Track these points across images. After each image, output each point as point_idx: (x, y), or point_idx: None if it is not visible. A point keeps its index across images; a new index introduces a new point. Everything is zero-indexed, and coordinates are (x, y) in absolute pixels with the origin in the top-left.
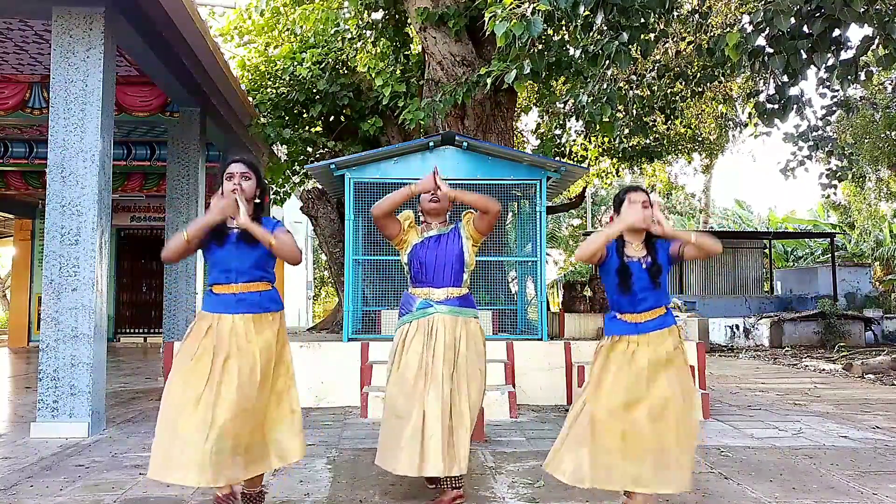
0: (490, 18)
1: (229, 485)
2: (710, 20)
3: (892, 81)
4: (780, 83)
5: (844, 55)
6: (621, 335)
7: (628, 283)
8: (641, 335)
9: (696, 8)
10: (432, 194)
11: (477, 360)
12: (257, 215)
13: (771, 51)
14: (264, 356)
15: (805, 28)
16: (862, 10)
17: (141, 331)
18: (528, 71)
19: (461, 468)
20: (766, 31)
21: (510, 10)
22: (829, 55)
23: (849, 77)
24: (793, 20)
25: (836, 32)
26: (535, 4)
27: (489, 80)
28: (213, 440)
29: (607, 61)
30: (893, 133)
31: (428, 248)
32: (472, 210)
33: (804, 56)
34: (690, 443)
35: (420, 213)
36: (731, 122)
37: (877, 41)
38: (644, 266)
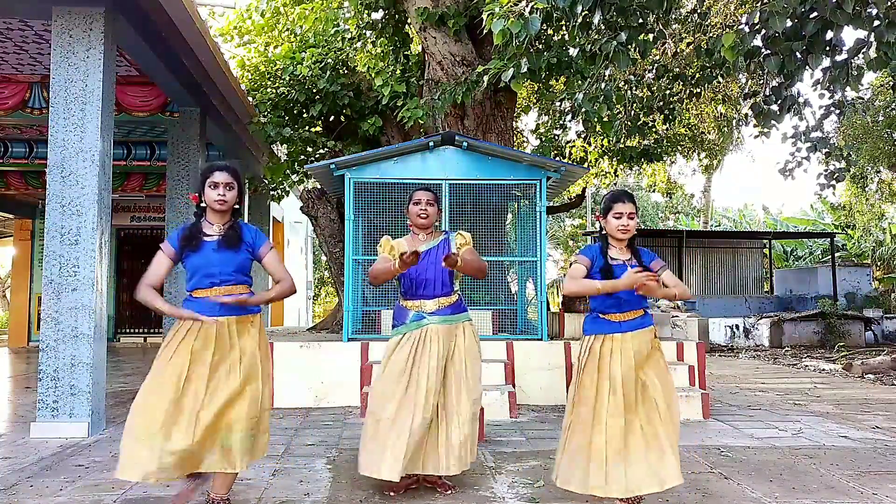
0: (488, 16)
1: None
2: (708, 20)
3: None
4: (776, 84)
5: (839, 57)
6: (605, 334)
7: None
8: (624, 333)
9: (696, 8)
10: (422, 209)
11: (472, 361)
12: (235, 221)
13: (767, 52)
14: (249, 352)
15: (801, 30)
16: (854, 12)
17: (141, 331)
18: (526, 70)
19: (458, 466)
20: (763, 33)
21: (508, 7)
22: (824, 57)
23: (841, 79)
24: (788, 22)
25: (830, 35)
26: (532, 3)
27: (486, 79)
28: (198, 434)
29: (605, 61)
30: (895, 133)
31: (418, 264)
32: (464, 233)
33: (799, 58)
34: (675, 438)
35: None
36: (732, 122)
37: (869, 43)
38: (630, 268)
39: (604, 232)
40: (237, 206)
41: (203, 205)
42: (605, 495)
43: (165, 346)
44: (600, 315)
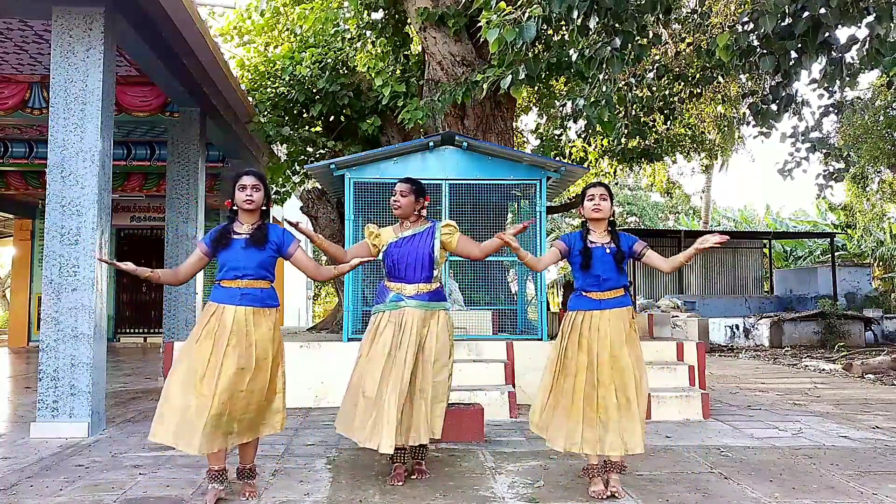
0: (485, 24)
1: (222, 462)
2: (709, 21)
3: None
4: (774, 83)
5: (834, 55)
6: (585, 310)
7: (589, 263)
8: (603, 311)
9: (696, 8)
10: (394, 200)
11: (443, 346)
12: (263, 222)
13: (763, 52)
14: (261, 344)
15: (794, 28)
16: (844, 8)
17: (141, 331)
18: (524, 76)
19: (421, 438)
20: (756, 32)
21: (503, 16)
22: (819, 56)
23: (837, 77)
24: (780, 21)
25: (826, 34)
26: (529, 10)
27: (486, 86)
28: (212, 414)
29: (602, 65)
30: (895, 133)
31: (401, 247)
32: (452, 223)
33: (794, 56)
34: (644, 410)
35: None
36: (733, 122)
37: (862, 41)
38: (608, 251)
39: (583, 220)
40: (265, 209)
41: (235, 208)
42: (579, 451)
43: (193, 332)
44: (583, 293)
